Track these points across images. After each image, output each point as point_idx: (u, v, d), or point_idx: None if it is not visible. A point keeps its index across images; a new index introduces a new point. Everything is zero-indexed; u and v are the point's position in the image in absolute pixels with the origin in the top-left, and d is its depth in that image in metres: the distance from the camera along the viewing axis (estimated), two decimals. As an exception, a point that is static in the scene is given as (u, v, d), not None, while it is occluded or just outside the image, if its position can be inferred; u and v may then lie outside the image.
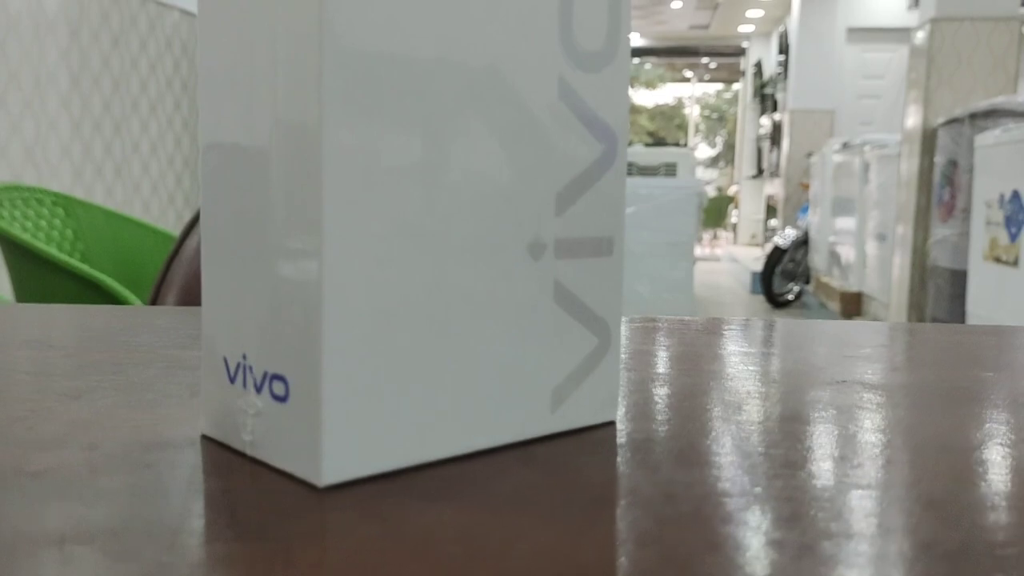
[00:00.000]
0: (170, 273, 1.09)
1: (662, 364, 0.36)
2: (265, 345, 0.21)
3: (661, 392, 0.31)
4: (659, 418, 0.27)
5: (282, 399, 0.21)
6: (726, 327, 0.46)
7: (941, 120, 3.46)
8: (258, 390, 0.21)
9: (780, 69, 8.58)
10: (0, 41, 2.52)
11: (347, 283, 0.20)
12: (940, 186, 3.43)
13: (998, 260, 2.81)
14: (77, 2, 2.88)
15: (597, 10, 0.24)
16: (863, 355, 0.38)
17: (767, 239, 8.69)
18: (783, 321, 0.48)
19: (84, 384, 0.29)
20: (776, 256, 6.10)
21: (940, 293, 3.44)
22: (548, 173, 0.23)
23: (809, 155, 6.68)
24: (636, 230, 4.99)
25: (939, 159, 3.44)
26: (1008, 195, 2.74)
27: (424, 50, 0.20)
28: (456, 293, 0.22)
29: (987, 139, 2.97)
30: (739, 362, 0.36)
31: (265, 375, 0.21)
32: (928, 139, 3.57)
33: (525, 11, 0.22)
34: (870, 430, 0.27)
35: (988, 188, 2.92)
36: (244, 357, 0.22)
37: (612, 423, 0.26)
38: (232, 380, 0.22)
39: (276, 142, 0.20)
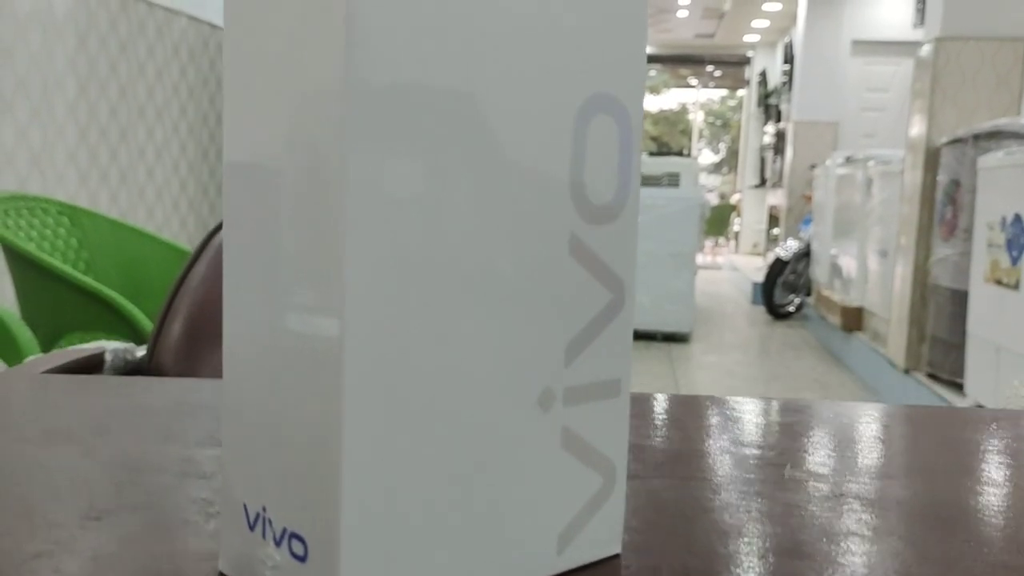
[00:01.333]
0: (177, 300, 1.10)
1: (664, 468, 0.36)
2: (284, 501, 0.22)
3: (661, 516, 0.31)
4: (666, 548, 0.28)
5: (301, 559, 0.21)
6: (768, 410, 0.46)
7: (945, 139, 3.46)
8: (277, 544, 0.22)
9: (785, 79, 8.59)
10: (8, 48, 2.53)
11: (366, 455, 0.21)
12: (942, 204, 3.44)
13: (999, 283, 2.81)
14: (86, 8, 2.89)
15: (608, 165, 0.25)
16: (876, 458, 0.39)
17: (769, 248, 8.70)
18: (813, 404, 0.49)
19: (104, 503, 0.30)
20: (778, 268, 6.11)
21: (941, 312, 3.45)
22: (558, 327, 0.24)
23: (812, 167, 6.68)
24: (638, 240, 4.98)
25: (942, 177, 3.45)
26: (1010, 218, 2.75)
27: (442, 242, 0.21)
28: (468, 447, 0.22)
29: (990, 161, 2.97)
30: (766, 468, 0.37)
31: (284, 531, 0.22)
32: (931, 157, 3.58)
33: (538, 171, 0.23)
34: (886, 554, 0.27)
35: (990, 210, 2.92)
36: (264, 509, 0.23)
37: (617, 555, 0.27)
38: (251, 527, 0.23)
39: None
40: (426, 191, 0.21)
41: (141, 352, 1.02)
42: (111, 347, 0.97)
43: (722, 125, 17.40)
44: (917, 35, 4.79)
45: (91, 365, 0.96)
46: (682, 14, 10.31)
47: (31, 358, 0.94)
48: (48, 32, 2.71)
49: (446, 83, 0.21)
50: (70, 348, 0.96)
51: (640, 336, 5.11)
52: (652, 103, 17.88)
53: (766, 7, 9.21)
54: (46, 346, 1.81)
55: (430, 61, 0.21)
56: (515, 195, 0.23)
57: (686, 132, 17.65)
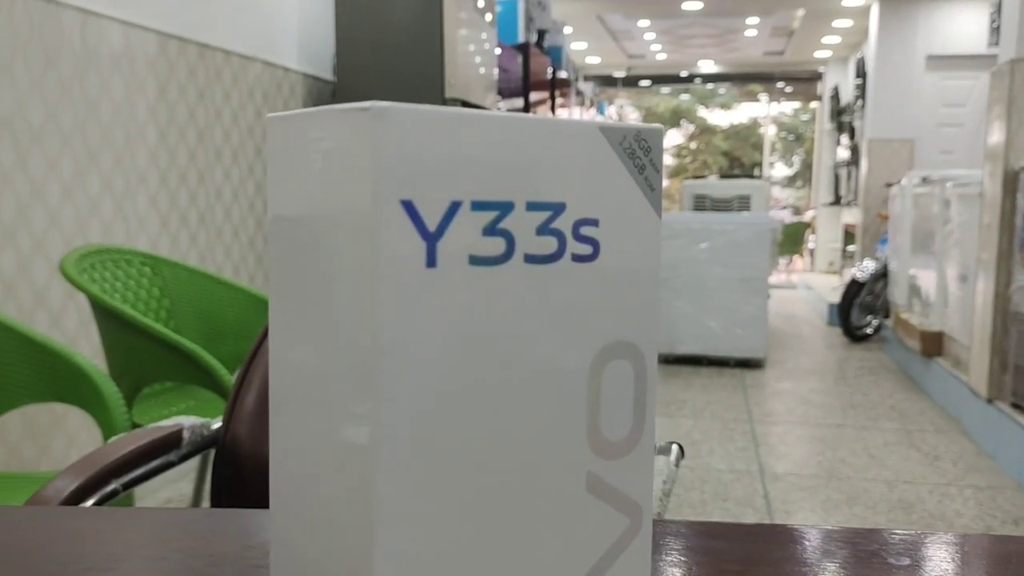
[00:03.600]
0: (251, 372, 1.15)
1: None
2: None
3: None
4: None
5: None
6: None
7: (1023, 163, 3.37)
8: None
9: (857, 94, 8.44)
10: (94, 101, 2.66)
11: None
12: (1022, 230, 3.34)
13: (1084, 313, 2.72)
14: (166, 59, 3.02)
15: (623, 404, 0.27)
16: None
17: (845, 267, 8.52)
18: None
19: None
20: (854, 289, 5.99)
21: (1023, 341, 3.34)
22: (576, 561, 0.26)
23: (888, 185, 6.54)
24: (709, 266, 4.96)
25: (1022, 202, 3.35)
26: (1094, 247, 2.66)
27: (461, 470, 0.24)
28: None
29: (1072, 186, 2.88)
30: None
31: None
32: (1010, 181, 3.48)
33: (554, 420, 0.25)
34: None
35: (1073, 237, 2.83)
36: None
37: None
38: None
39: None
40: (465, 434, 0.23)
41: (216, 425, 1.07)
42: (188, 423, 1.02)
43: (795, 138, 17.12)
44: (994, 50, 4.67)
45: (170, 442, 1.01)
46: (750, 33, 10.21)
47: (114, 439, 0.99)
48: (130, 83, 2.84)
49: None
50: (151, 427, 1.01)
51: (712, 362, 5.06)
52: (723, 118, 17.69)
53: (836, 23, 9.07)
54: (129, 397, 1.89)
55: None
56: (531, 443, 0.25)
57: (758, 146, 17.41)
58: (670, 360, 5.10)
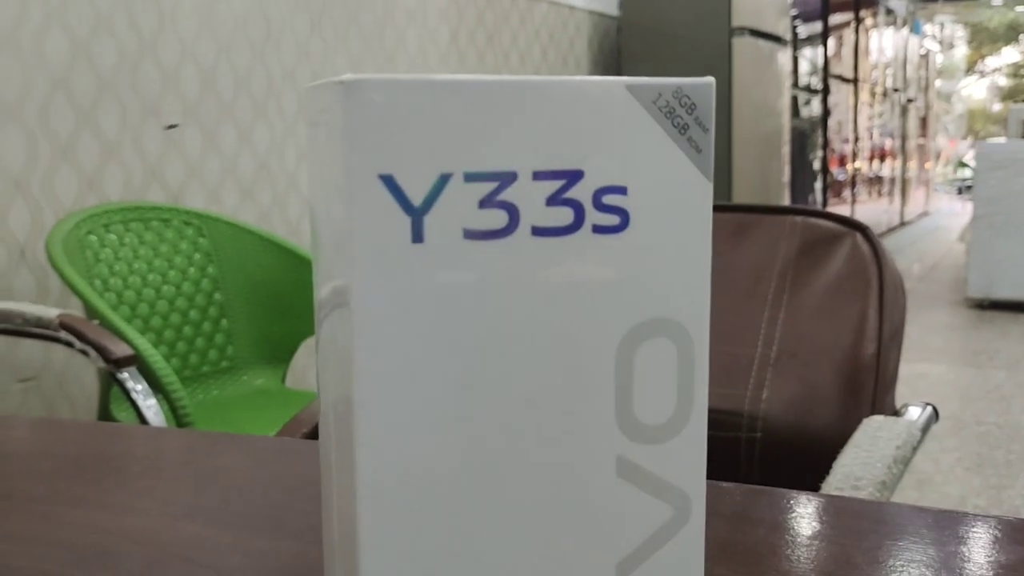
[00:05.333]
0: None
1: None
2: None
3: None
4: None
5: None
6: None
7: None
8: None
9: None
10: (391, 54, 2.84)
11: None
12: None
13: None
14: (456, 8, 3.15)
15: (663, 388, 0.25)
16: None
17: None
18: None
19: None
20: None
21: None
22: (606, 545, 0.25)
23: None
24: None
25: None
26: None
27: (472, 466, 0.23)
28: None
29: None
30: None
31: None
32: None
33: (577, 399, 0.24)
34: None
35: None
36: None
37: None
38: None
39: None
40: (457, 414, 0.23)
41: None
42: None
43: None
44: None
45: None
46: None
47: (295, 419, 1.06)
48: (423, 34, 3.00)
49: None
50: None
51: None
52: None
53: None
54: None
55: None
56: (544, 425, 0.24)
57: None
58: (984, 306, 4.62)
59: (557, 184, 0.23)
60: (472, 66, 3.28)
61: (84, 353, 1.25)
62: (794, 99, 4.78)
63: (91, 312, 1.40)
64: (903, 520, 0.40)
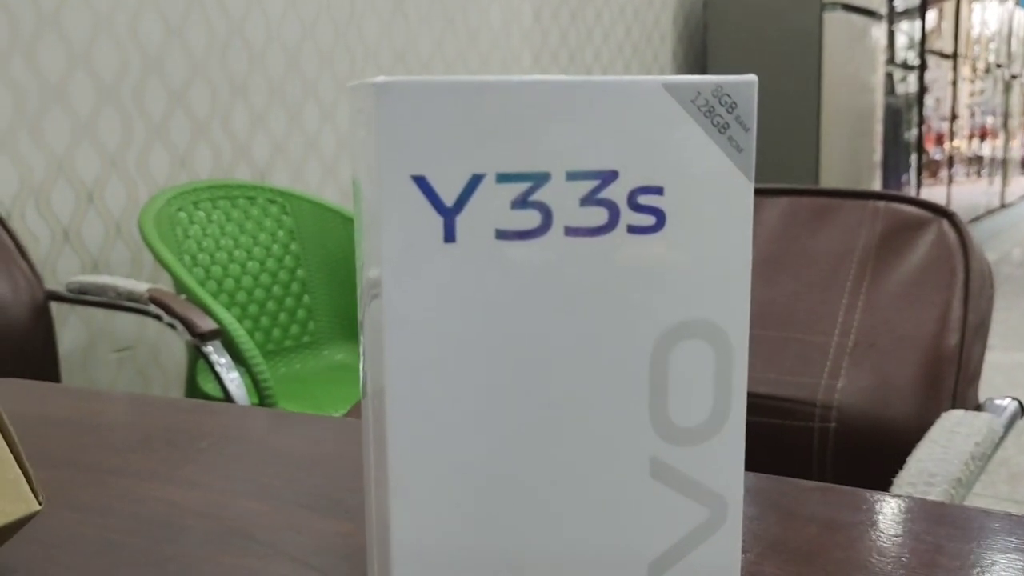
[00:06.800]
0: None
1: None
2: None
3: None
4: None
5: None
6: None
7: None
8: None
9: None
10: (474, 31, 2.85)
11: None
12: None
13: None
14: (539, -16, 3.14)
15: (699, 390, 0.25)
16: None
17: None
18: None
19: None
20: None
21: None
22: (639, 545, 0.25)
23: None
24: None
25: None
26: None
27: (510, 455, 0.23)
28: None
29: None
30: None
31: None
32: None
33: (611, 399, 0.24)
34: None
35: None
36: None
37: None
38: None
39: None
40: (487, 411, 0.23)
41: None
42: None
43: None
44: None
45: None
46: None
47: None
48: (507, 12, 3.00)
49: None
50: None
51: None
52: None
53: None
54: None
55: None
56: (577, 425, 0.24)
57: None
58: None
59: (591, 184, 0.23)
60: (555, 44, 3.26)
61: (172, 326, 1.30)
62: (889, 75, 4.62)
63: (180, 287, 1.45)
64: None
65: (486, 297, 0.23)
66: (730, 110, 0.24)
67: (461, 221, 0.22)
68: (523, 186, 0.22)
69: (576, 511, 0.24)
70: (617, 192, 0.23)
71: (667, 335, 0.24)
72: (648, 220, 0.23)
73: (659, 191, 0.23)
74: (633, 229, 0.23)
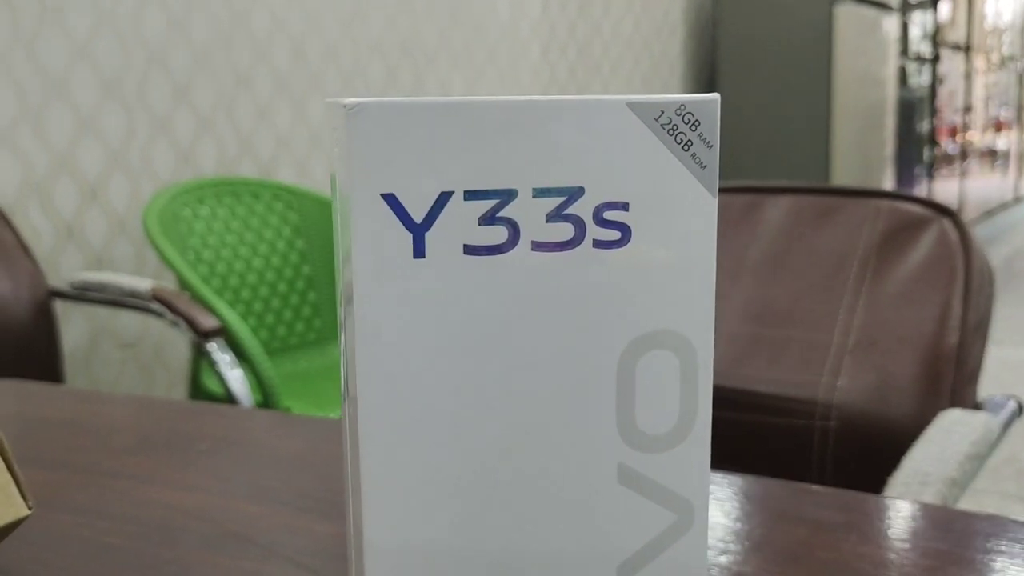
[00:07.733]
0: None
1: None
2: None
3: None
4: None
5: None
6: None
7: None
8: None
9: None
10: (480, 23, 2.85)
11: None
12: None
13: None
14: (547, -21, 3.14)
15: (665, 398, 0.25)
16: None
17: None
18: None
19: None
20: None
21: None
22: (606, 548, 0.26)
23: None
24: None
25: None
26: None
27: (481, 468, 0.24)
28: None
29: None
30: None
31: None
32: None
33: (578, 408, 0.25)
34: None
35: None
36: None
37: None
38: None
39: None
40: (457, 421, 0.24)
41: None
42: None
43: None
44: None
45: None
46: None
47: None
48: (514, 3, 3.00)
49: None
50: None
51: None
52: None
53: None
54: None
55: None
56: (547, 433, 0.25)
57: None
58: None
59: (558, 200, 0.24)
60: (563, 37, 3.26)
61: (175, 324, 1.31)
62: (901, 68, 4.60)
63: (184, 284, 1.46)
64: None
65: (455, 311, 0.23)
66: (693, 128, 0.24)
67: (430, 237, 0.23)
68: (490, 203, 0.23)
69: (545, 516, 0.25)
70: (583, 208, 0.24)
71: (633, 346, 0.25)
72: (614, 235, 0.24)
73: (624, 207, 0.24)
74: (599, 244, 0.24)
